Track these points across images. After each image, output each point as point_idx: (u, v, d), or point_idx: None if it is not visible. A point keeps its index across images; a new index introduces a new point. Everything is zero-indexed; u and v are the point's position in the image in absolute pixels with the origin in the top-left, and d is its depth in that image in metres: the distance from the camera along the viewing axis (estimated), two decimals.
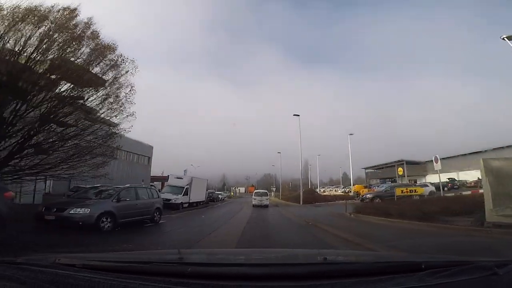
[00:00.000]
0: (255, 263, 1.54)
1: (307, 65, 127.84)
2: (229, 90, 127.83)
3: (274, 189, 58.69)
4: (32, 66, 9.47)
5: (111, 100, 11.24)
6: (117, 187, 9.77)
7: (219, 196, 39.97)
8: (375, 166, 51.93)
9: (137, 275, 1.07)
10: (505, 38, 13.41)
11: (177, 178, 21.50)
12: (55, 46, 9.68)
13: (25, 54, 9.30)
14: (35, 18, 9.25)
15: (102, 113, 11.54)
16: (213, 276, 1.08)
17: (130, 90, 11.50)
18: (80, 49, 10.24)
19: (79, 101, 10.96)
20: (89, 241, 6.05)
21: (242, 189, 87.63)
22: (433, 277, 1.00)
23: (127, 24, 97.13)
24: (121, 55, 11.18)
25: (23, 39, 9.14)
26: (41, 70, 9.82)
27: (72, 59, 10.18)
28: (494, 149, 31.56)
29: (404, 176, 36.65)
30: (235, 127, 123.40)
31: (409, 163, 41.79)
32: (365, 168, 54.26)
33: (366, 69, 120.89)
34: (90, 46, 10.48)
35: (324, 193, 40.56)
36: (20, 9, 9.15)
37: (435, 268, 1.07)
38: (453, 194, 16.64)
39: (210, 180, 35.91)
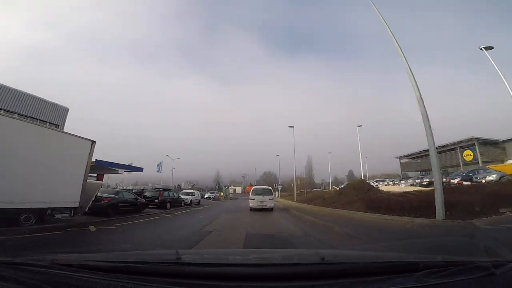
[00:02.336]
0: (253, 263, 1.54)
1: (296, 55, 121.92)
2: (219, 87, 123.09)
3: (279, 187, 45.22)
4: None
5: None
6: None
7: (186, 198, 22.72)
8: (416, 153, 36.79)
9: (135, 275, 1.07)
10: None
11: None
12: None
13: None
14: None
15: None
16: (211, 276, 1.09)
17: None
18: None
19: None
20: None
21: (239, 189, 79.01)
22: (430, 277, 1.01)
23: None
24: None
25: None
26: None
27: None
28: None
29: (478, 163, 25.18)
30: (231, 126, 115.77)
31: (483, 142, 28.61)
32: (400, 157, 42.40)
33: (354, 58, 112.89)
34: None
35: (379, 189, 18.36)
36: None
37: (433, 268, 1.07)
38: None
39: (204, 179, 27.57)
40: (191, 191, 29.97)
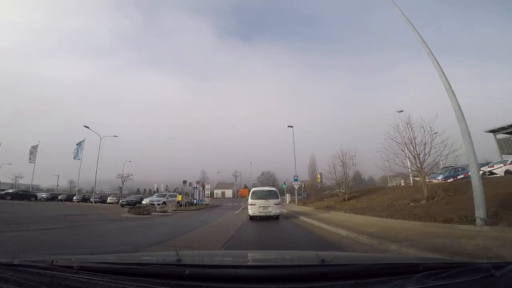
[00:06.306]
0: (253, 265, 1.54)
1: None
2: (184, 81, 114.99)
3: (297, 185, 29.30)
4: None
5: None
6: None
7: None
8: None
9: (135, 277, 1.07)
10: None
11: None
12: None
13: None
14: None
15: None
16: (211, 278, 1.09)
17: None
18: None
19: None
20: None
21: (229, 192, 67.62)
22: (430, 278, 1.02)
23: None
24: None
25: None
26: None
27: None
28: None
29: None
30: (227, 127, 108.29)
31: None
32: (494, 131, 22.89)
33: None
34: None
35: None
36: None
37: (433, 270, 1.08)
38: None
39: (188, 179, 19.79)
40: None
